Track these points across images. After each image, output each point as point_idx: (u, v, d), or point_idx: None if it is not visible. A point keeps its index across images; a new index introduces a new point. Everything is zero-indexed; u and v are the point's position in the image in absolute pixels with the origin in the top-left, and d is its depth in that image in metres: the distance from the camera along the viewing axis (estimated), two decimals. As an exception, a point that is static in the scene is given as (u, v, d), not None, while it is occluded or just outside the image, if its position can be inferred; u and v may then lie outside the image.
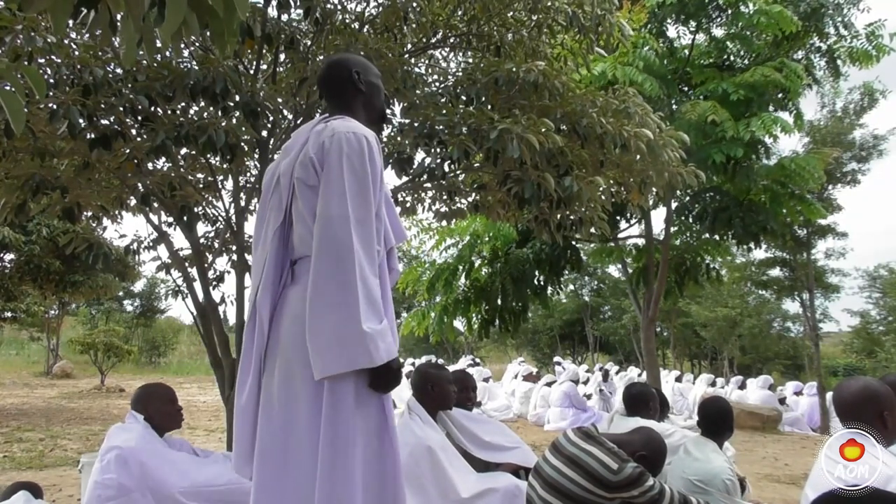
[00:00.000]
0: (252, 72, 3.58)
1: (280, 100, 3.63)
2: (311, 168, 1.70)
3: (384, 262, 1.78)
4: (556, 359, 16.46)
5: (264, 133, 3.59)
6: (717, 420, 2.87)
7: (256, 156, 3.76)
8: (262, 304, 1.75)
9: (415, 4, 3.59)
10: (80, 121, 2.78)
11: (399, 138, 3.81)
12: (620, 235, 8.54)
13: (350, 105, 1.89)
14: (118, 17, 1.31)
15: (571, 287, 24.68)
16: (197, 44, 3.57)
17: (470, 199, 4.65)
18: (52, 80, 2.88)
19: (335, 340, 1.55)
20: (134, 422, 2.69)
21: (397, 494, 1.64)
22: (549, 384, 9.04)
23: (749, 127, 6.18)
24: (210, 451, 3.04)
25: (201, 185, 4.31)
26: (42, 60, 2.89)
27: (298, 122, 3.75)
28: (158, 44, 1.56)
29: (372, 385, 1.62)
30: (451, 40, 4.11)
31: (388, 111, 2.34)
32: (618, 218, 7.66)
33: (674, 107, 6.87)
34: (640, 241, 8.72)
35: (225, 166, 4.14)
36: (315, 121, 1.87)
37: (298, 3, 3.29)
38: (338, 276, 1.58)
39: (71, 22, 2.70)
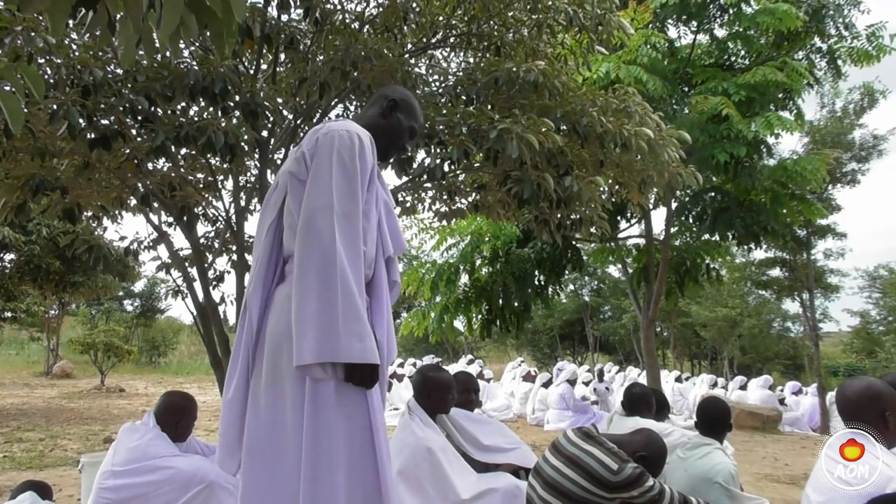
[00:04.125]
0: (252, 72, 3.58)
1: (280, 100, 3.63)
2: (303, 162, 1.71)
3: (381, 268, 1.78)
4: (558, 364, 16.41)
5: (264, 133, 3.58)
6: (716, 419, 2.89)
7: (256, 156, 3.76)
8: (252, 302, 1.74)
9: (415, 4, 3.58)
10: (80, 121, 2.77)
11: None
12: (620, 235, 8.53)
13: (369, 118, 1.92)
14: (117, 17, 1.30)
15: (571, 287, 24.68)
16: (197, 44, 3.57)
17: (470, 199, 4.65)
18: (51, 81, 2.87)
19: (311, 330, 1.54)
20: (146, 422, 2.73)
21: (385, 490, 1.61)
22: (545, 385, 9.02)
23: (752, 126, 6.17)
24: (215, 447, 3.05)
25: (201, 185, 4.31)
26: (42, 61, 2.89)
27: (298, 122, 3.75)
28: (157, 44, 1.56)
29: (347, 379, 1.60)
30: (451, 40, 4.11)
31: (394, 155, 2.27)
32: (618, 218, 7.66)
33: (674, 106, 6.86)
34: (640, 241, 8.72)
35: (225, 166, 4.14)
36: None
37: (298, 3, 3.29)
38: (318, 266, 1.57)
39: (71, 22, 2.70)
